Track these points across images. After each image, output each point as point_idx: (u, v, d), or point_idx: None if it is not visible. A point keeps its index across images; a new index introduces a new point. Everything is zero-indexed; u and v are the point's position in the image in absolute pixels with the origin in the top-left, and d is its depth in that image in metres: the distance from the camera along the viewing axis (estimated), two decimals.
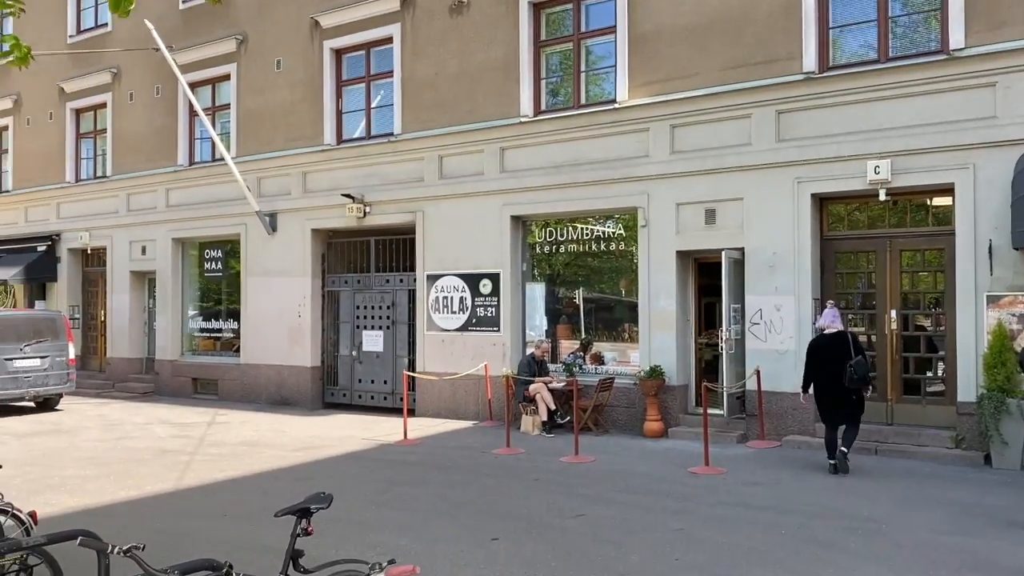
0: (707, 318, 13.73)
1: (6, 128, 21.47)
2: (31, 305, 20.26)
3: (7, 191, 21.42)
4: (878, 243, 10.91)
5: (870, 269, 11.06)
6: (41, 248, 19.95)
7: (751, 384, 11.15)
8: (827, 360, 9.19)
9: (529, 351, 13.05)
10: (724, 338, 11.31)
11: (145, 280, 18.82)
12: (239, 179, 15.46)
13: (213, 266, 17.67)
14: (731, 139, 11.43)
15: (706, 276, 12.67)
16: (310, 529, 3.85)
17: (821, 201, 11.18)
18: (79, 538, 3.27)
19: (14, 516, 5.42)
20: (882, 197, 10.44)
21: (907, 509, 7.66)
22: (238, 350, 16.81)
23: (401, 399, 14.49)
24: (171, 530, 7.29)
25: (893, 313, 10.71)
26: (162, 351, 17.95)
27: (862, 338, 10.54)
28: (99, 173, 19.56)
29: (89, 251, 19.76)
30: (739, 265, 11.46)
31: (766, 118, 11.17)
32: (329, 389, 15.71)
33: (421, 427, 12.91)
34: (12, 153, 21.27)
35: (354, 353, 15.31)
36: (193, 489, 8.95)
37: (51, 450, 11.43)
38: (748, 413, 11.35)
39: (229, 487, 9.04)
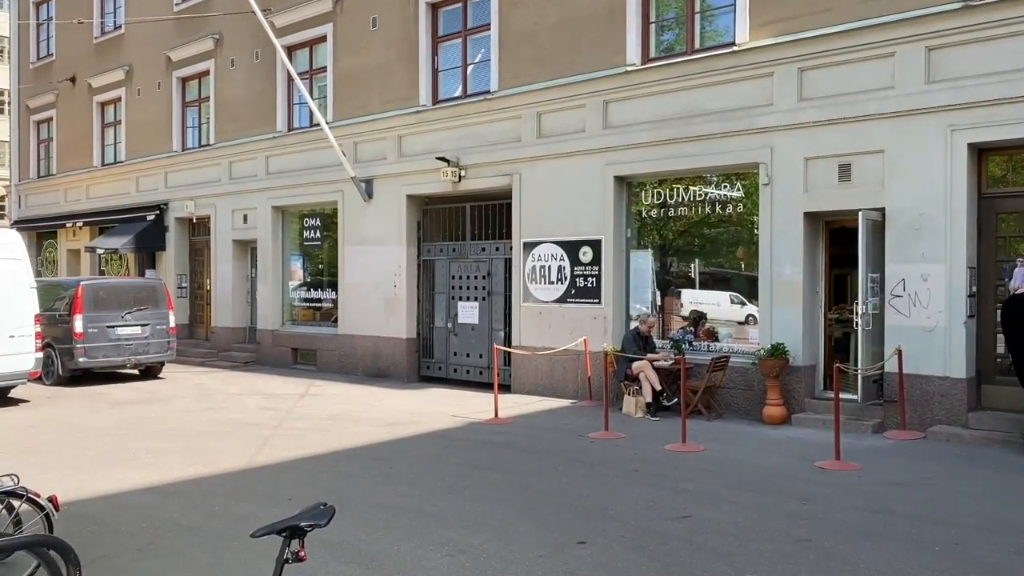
0: (837, 291, 12.19)
1: (119, 99, 21.81)
2: (141, 274, 20.58)
3: (120, 161, 21.81)
4: None
5: None
6: (150, 217, 20.17)
7: (890, 366, 9.66)
8: (1019, 322, 8.18)
9: (633, 326, 11.90)
10: (860, 312, 9.83)
11: (247, 249, 18.68)
12: (334, 144, 14.89)
13: (312, 235, 17.28)
14: (870, 82, 9.86)
15: (836, 244, 11.15)
16: (303, 554, 2.90)
17: (979, 152, 9.51)
18: None
19: (30, 500, 4.82)
20: None
21: None
22: (336, 320, 16.39)
23: (497, 373, 13.72)
24: (226, 514, 6.66)
25: None
26: (263, 320, 17.78)
27: None
28: (203, 142, 19.54)
29: (195, 220, 19.83)
30: (878, 228, 9.93)
31: (913, 56, 9.55)
32: (425, 362, 15.05)
33: (515, 405, 12.01)
34: (125, 124, 21.60)
35: (449, 325, 14.56)
36: (265, 467, 8.36)
37: (139, 420, 11.19)
38: (886, 399, 9.87)
39: (302, 466, 8.40)
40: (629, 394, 11.33)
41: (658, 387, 11.08)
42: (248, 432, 10.19)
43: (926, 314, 9.51)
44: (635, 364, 11.18)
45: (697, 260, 12.26)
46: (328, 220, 16.81)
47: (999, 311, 8.81)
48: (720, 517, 6.41)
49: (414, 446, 9.34)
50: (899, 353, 9.52)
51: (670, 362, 11.18)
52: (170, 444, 9.48)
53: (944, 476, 7.64)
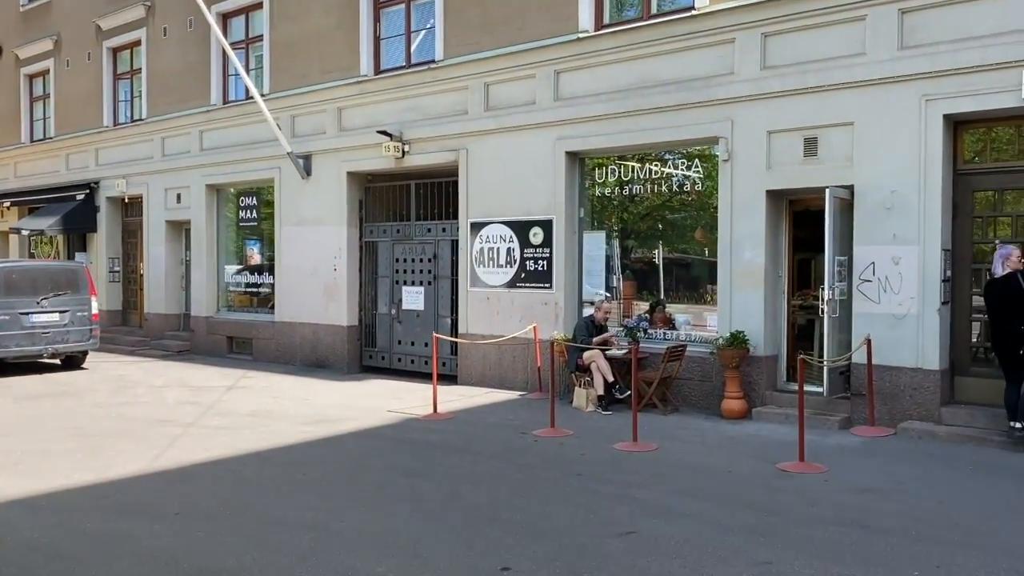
0: (800, 276, 11.44)
1: (47, 72, 20.44)
2: (71, 256, 19.33)
3: (50, 137, 20.47)
4: None
5: (1020, 212, 8.62)
6: (80, 197, 18.88)
7: (858, 357, 8.93)
8: (999, 306, 7.78)
9: (588, 312, 11.06)
10: (826, 298, 9.07)
11: (182, 230, 17.54)
12: (268, 118, 13.85)
13: (248, 215, 16.23)
14: (839, 49, 9.08)
15: (799, 227, 10.37)
16: None
17: (956, 125, 8.77)
18: None
19: None
20: None
21: None
22: (273, 307, 15.37)
23: (443, 364, 12.85)
24: (97, 533, 5.70)
25: None
26: (197, 307, 16.69)
27: None
28: (135, 116, 18.31)
29: (127, 199, 18.57)
30: (846, 207, 9.18)
31: (885, 20, 8.78)
32: (367, 351, 14.11)
33: (459, 398, 11.15)
34: (54, 97, 20.25)
35: (393, 312, 13.63)
36: (163, 473, 7.38)
37: (41, 416, 10.14)
38: (853, 392, 9.15)
39: (205, 472, 7.44)
40: (580, 386, 10.51)
41: (611, 378, 10.27)
42: (158, 431, 9.20)
43: (897, 300, 8.79)
44: (586, 354, 10.36)
45: (650, 241, 11.42)
46: (265, 199, 15.77)
47: (984, 296, 8.17)
48: (669, 532, 5.60)
49: (337, 447, 8.43)
50: (868, 343, 8.79)
51: (624, 351, 10.38)
52: (65, 445, 8.46)
53: (919, 481, 6.91)
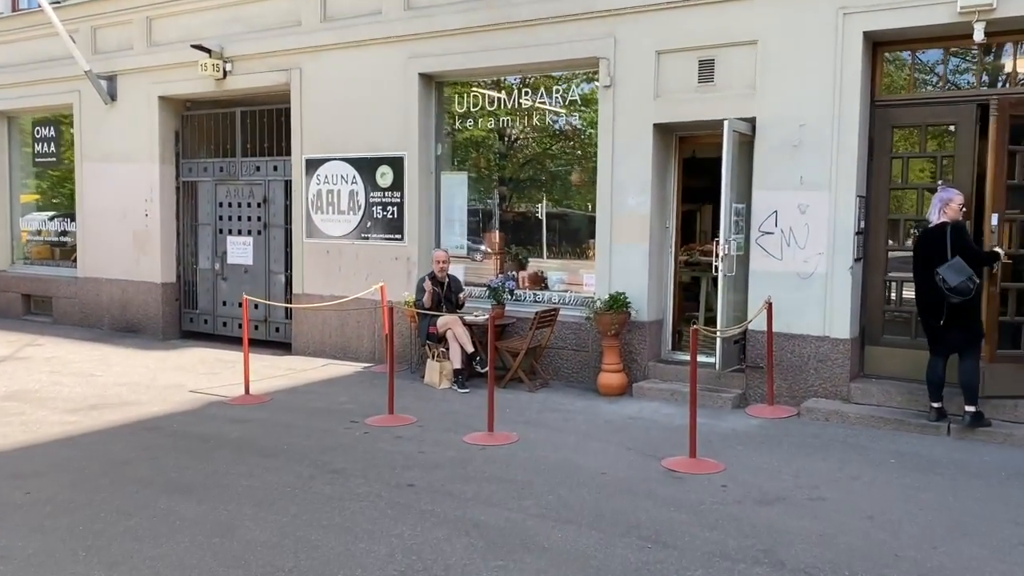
0: (685, 229, 9.97)
1: None
2: None
3: None
4: (962, 111, 7.13)
5: (947, 152, 7.33)
6: None
7: (755, 323, 7.53)
8: (924, 263, 6.48)
9: (431, 269, 9.22)
10: (721, 254, 7.58)
11: None
12: (59, 27, 11.22)
13: (45, 148, 13.49)
14: None
15: (685, 175, 8.80)
16: None
17: (875, 46, 7.37)
18: None
19: None
20: (978, 37, 6.65)
21: None
22: (77, 260, 12.83)
23: (277, 329, 10.90)
24: None
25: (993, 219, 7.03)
26: None
27: None
28: None
29: None
30: (746, 145, 7.69)
31: None
32: (187, 313, 11.86)
33: (287, 373, 9.21)
34: None
35: (217, 267, 11.43)
36: None
37: None
38: (749, 364, 7.77)
39: None
40: (433, 358, 8.75)
41: (470, 349, 8.56)
42: None
43: (803, 256, 7.41)
44: (440, 320, 8.60)
45: (530, 191, 9.67)
46: (65, 129, 13.09)
47: (913, 248, 6.83)
48: None
49: (99, 446, 6.35)
50: (769, 306, 7.39)
51: (485, 317, 8.66)
52: None
53: (836, 484, 5.51)
